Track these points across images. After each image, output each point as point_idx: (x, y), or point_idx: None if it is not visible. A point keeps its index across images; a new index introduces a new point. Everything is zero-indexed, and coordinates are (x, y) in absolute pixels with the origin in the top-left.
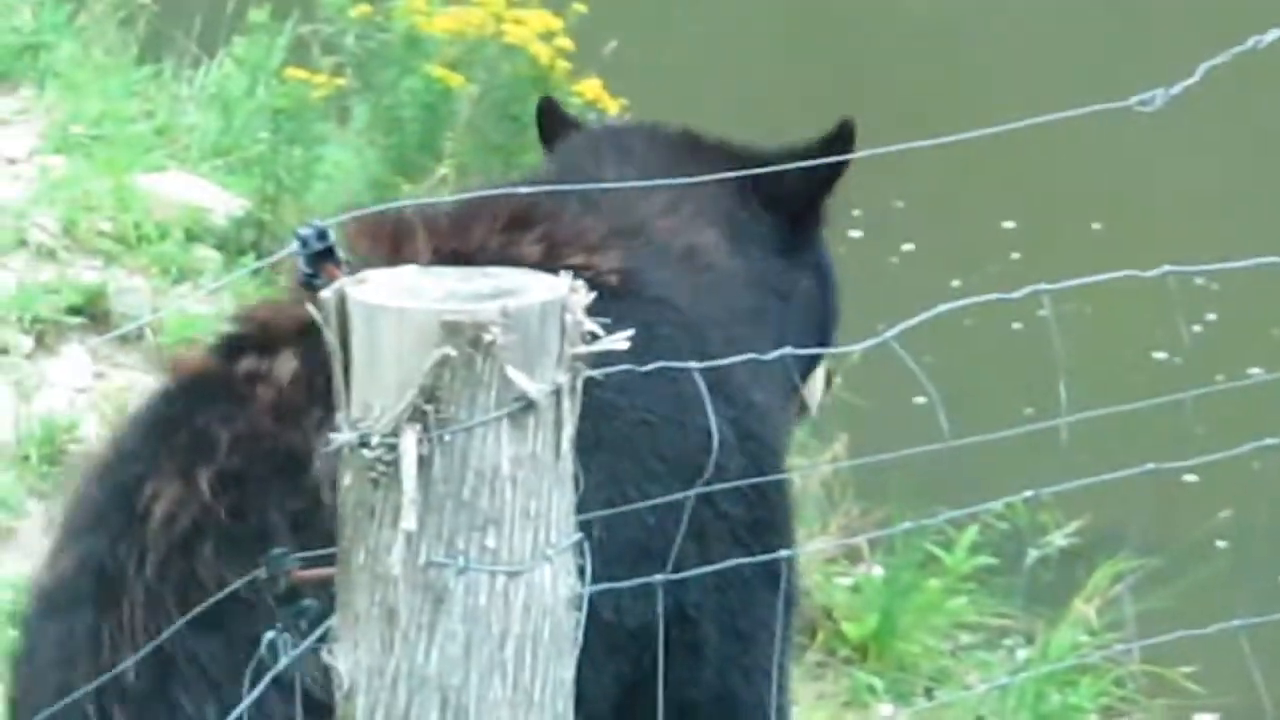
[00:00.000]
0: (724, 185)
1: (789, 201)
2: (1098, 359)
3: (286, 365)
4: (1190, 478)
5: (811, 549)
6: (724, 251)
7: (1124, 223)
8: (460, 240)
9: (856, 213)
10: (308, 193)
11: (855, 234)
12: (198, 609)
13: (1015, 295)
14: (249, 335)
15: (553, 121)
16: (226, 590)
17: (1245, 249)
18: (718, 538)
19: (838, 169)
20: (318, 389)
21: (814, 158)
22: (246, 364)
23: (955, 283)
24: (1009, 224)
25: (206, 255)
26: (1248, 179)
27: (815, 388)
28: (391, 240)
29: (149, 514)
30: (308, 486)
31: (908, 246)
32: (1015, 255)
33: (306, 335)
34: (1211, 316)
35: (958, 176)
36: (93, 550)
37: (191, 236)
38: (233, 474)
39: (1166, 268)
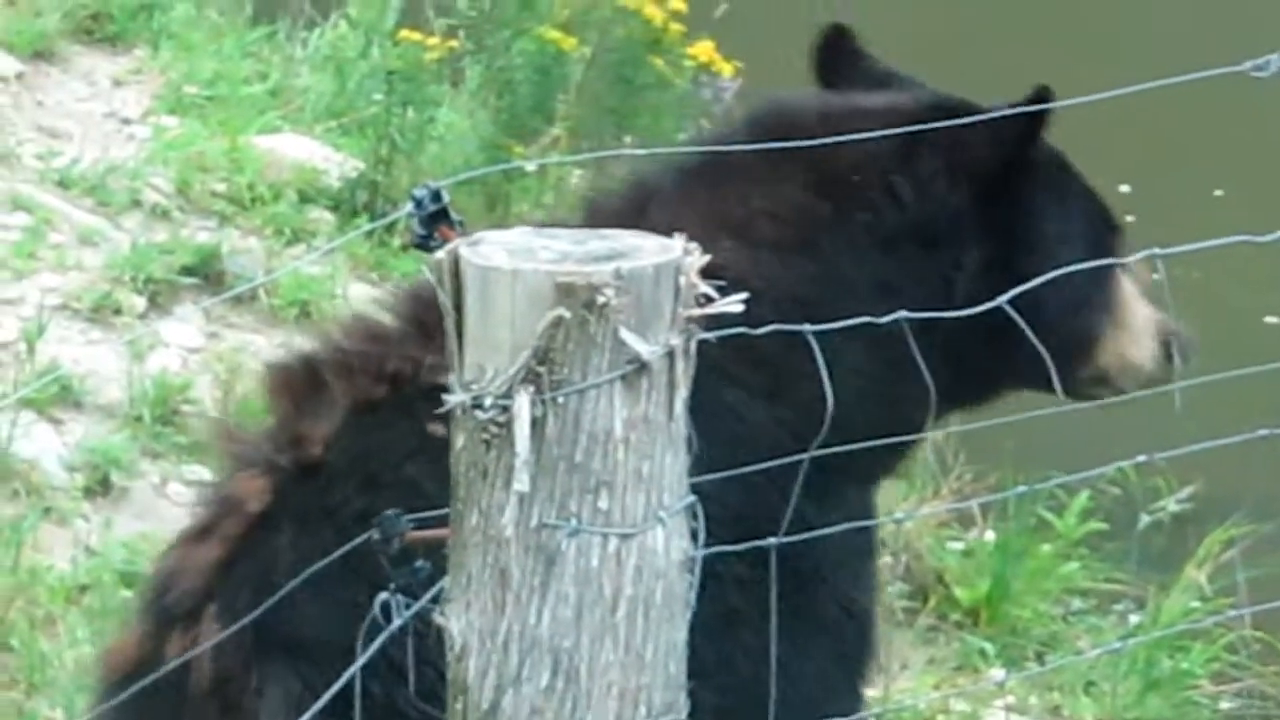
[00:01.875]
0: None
1: (973, 175)
2: (1210, 324)
3: (210, 629)
4: None
5: (923, 513)
6: (755, 263)
7: (1247, 189)
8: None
9: None
10: (421, 154)
11: None
12: None
13: (1130, 259)
14: (168, 603)
15: (835, 57)
16: (343, 550)
17: None
18: (731, 613)
19: (1019, 129)
20: (246, 642)
21: (1007, 120)
22: (174, 645)
23: None
24: (1125, 188)
25: (320, 216)
26: None
27: (1130, 350)
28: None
29: None
30: None
31: None
32: (1130, 218)
33: (222, 579)
34: None
35: (1074, 140)
36: None
37: (305, 198)
38: None
39: None
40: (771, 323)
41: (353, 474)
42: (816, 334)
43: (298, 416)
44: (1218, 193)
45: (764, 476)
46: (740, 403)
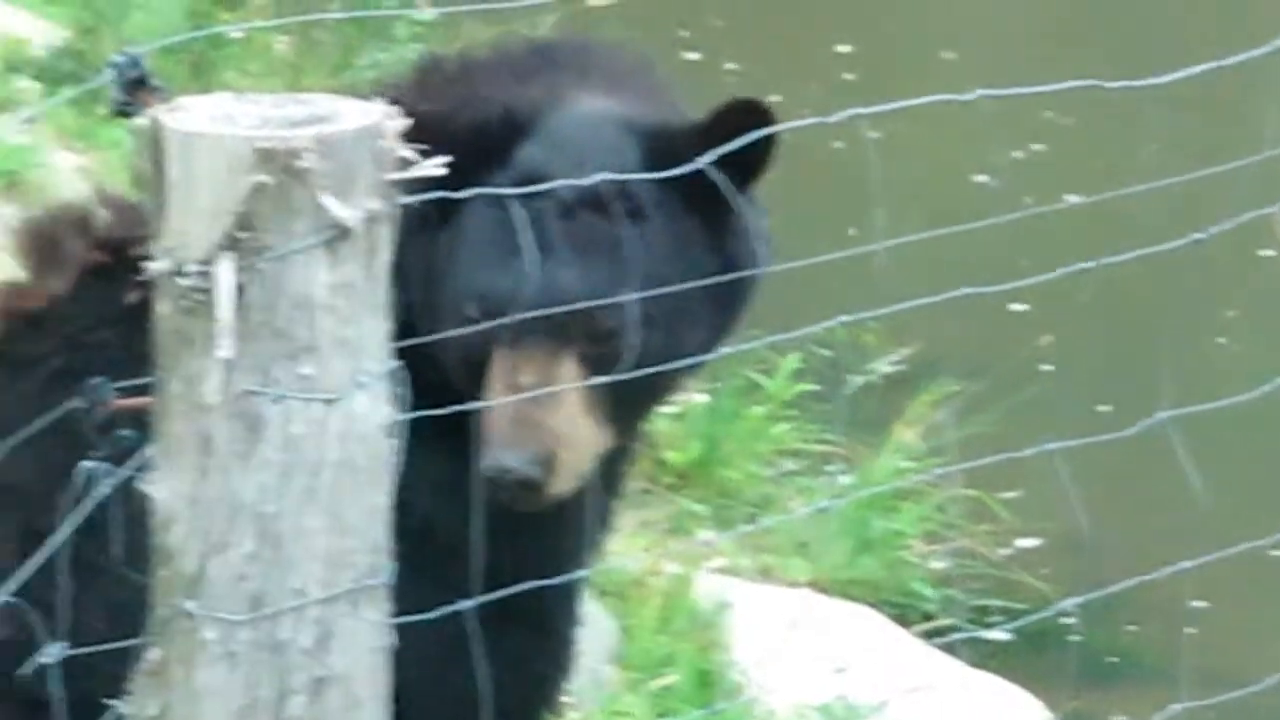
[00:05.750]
0: None
1: None
2: (923, 182)
3: None
4: (1018, 306)
5: (626, 376)
6: None
7: (977, 52)
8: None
9: (685, 33)
10: (126, 22)
11: (692, 56)
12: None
13: (832, 119)
14: None
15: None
16: (50, 417)
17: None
18: None
19: None
20: None
21: None
22: None
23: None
24: (844, 48)
25: (26, 86)
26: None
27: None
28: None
29: None
30: None
31: (731, 65)
32: (850, 77)
33: None
34: (1038, 146)
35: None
36: None
37: (10, 67)
38: None
39: (980, 91)
40: None
41: (58, 332)
42: None
43: (31, 272)
44: (946, 55)
45: None
46: None
